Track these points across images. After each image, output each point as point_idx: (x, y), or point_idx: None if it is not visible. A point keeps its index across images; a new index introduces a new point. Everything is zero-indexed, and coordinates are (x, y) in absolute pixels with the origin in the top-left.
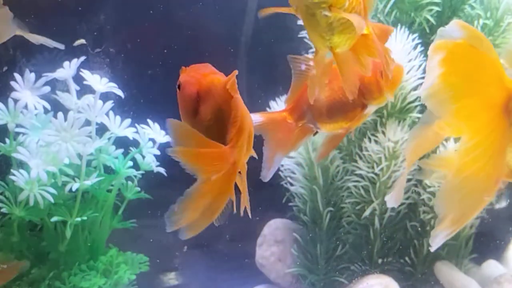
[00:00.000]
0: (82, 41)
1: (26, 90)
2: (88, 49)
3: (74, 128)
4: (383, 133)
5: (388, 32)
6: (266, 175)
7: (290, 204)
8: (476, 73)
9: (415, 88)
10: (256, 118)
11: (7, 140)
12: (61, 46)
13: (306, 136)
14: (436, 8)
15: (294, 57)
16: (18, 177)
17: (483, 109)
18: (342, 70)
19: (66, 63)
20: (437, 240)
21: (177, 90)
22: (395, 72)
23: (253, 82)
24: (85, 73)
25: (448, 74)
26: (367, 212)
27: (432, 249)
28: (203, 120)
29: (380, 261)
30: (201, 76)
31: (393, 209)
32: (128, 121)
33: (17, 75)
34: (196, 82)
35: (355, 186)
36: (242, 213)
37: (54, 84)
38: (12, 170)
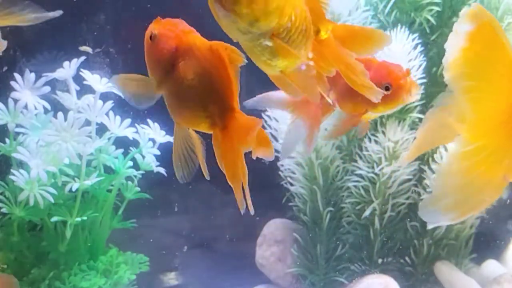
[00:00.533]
0: (88, 49)
1: (26, 90)
2: None
3: (74, 128)
4: (383, 133)
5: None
6: (309, 150)
7: (290, 204)
8: (494, 58)
9: None
10: (284, 96)
11: (7, 140)
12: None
13: (328, 112)
14: (436, 8)
15: None
16: (18, 177)
17: (491, 98)
18: (300, 86)
19: (66, 63)
20: (429, 216)
21: (148, 40)
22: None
23: (253, 81)
24: (85, 73)
25: (469, 50)
26: (367, 212)
27: (429, 227)
28: (182, 78)
29: (380, 261)
30: (180, 32)
31: (393, 209)
32: (128, 121)
33: (17, 75)
34: (175, 37)
35: (355, 186)
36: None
37: (54, 84)
38: (12, 170)
